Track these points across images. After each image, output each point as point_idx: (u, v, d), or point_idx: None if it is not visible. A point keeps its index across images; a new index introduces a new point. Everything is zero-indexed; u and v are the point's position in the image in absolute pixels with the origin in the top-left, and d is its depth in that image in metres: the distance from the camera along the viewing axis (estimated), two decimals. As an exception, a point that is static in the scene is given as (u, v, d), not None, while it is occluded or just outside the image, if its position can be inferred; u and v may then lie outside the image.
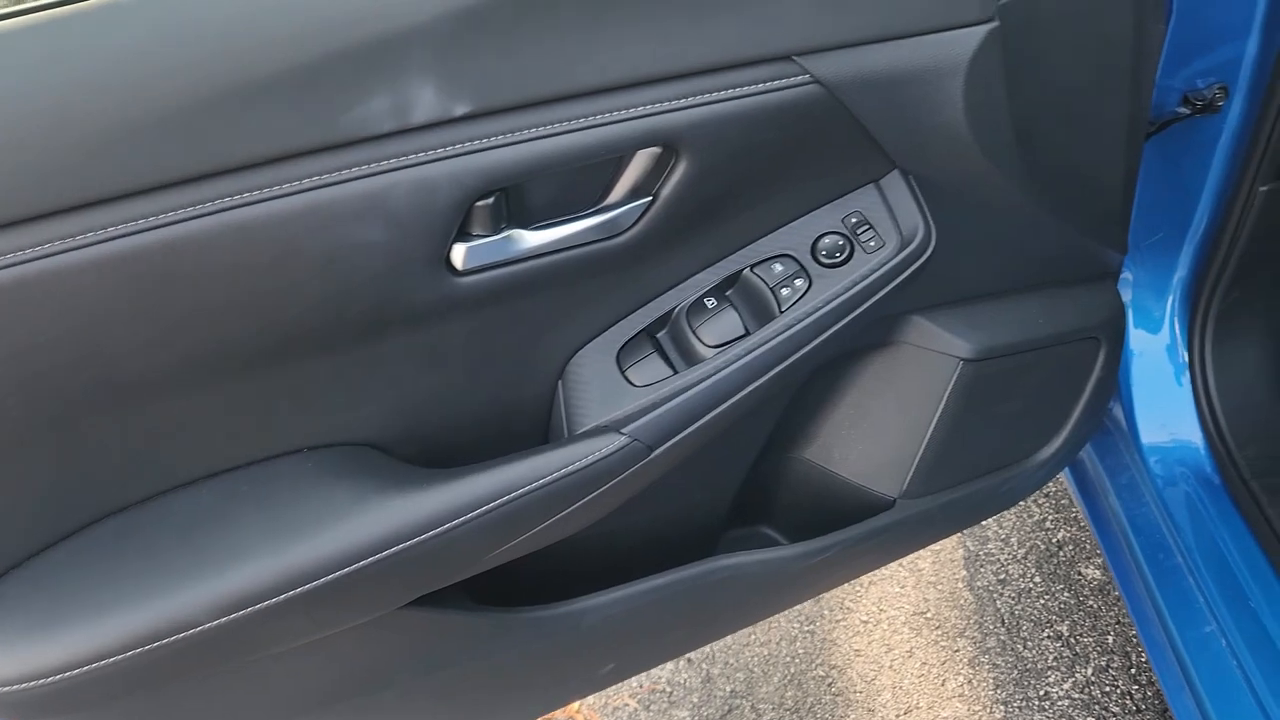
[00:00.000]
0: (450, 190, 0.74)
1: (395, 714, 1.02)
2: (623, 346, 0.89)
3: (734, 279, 0.90)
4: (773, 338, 0.87)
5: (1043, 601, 1.80)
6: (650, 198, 0.82)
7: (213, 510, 0.81)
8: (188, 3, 0.66)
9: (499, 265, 0.80)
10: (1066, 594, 1.81)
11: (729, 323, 0.88)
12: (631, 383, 0.88)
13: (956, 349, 1.03)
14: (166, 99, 0.65)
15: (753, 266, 0.90)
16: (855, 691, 1.71)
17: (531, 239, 0.80)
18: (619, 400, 0.87)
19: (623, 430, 0.84)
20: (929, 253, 0.88)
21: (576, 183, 0.81)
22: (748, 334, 0.88)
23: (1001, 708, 1.65)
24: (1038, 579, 1.84)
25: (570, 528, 0.89)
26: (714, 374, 0.86)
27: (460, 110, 0.72)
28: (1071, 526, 1.92)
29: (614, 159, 0.80)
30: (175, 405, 0.77)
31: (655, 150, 0.80)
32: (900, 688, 1.71)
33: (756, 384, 0.87)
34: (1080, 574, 1.84)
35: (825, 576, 1.17)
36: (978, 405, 1.09)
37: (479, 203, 0.76)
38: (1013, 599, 1.82)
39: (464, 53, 0.70)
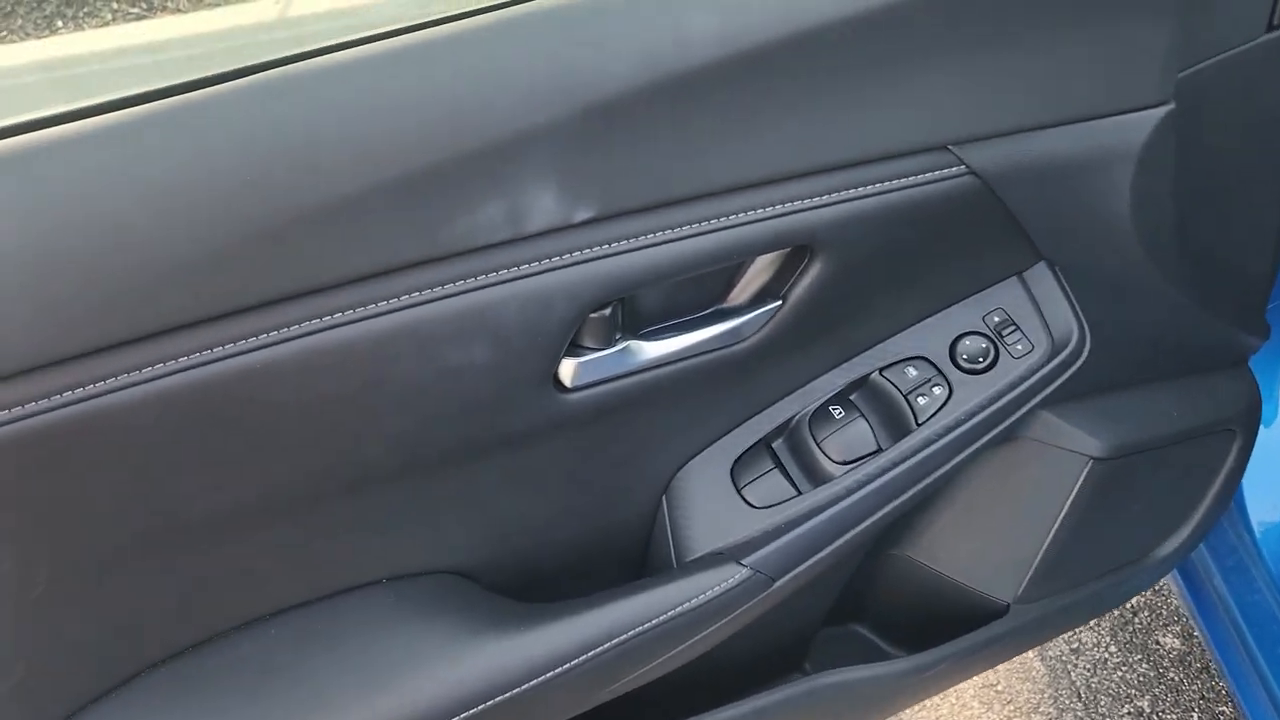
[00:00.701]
0: (566, 303, 0.64)
1: None
2: (737, 460, 0.80)
3: (861, 383, 0.81)
4: (910, 455, 0.77)
5: (1120, 674, 1.70)
6: (779, 301, 0.72)
7: (283, 653, 0.72)
8: (274, 107, 0.56)
9: (611, 380, 0.70)
10: (1145, 665, 1.71)
11: (858, 435, 0.78)
12: (749, 503, 0.78)
13: (1087, 446, 0.94)
14: (247, 215, 0.56)
15: (882, 370, 0.80)
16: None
17: (649, 350, 0.71)
18: (735, 523, 0.78)
19: (743, 561, 0.75)
20: (1083, 358, 0.79)
21: (691, 283, 0.71)
22: (880, 449, 0.78)
23: (1082, 792, 1.55)
24: (1113, 648, 1.74)
25: (677, 663, 0.79)
26: (845, 496, 0.76)
27: (582, 216, 0.62)
28: (1145, 591, 1.82)
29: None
30: (243, 541, 0.67)
31: (785, 250, 0.71)
32: (973, 769, 1.61)
33: (891, 507, 0.78)
34: (1158, 643, 1.74)
35: (932, 686, 1.07)
36: (1105, 504, 0.99)
37: (594, 314, 0.67)
38: (1088, 670, 1.72)
39: (589, 153, 0.60)
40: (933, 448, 0.77)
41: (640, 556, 0.85)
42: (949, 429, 0.77)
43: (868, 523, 0.77)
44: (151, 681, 0.70)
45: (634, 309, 0.70)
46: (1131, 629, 1.76)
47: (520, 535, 0.78)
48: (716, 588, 0.74)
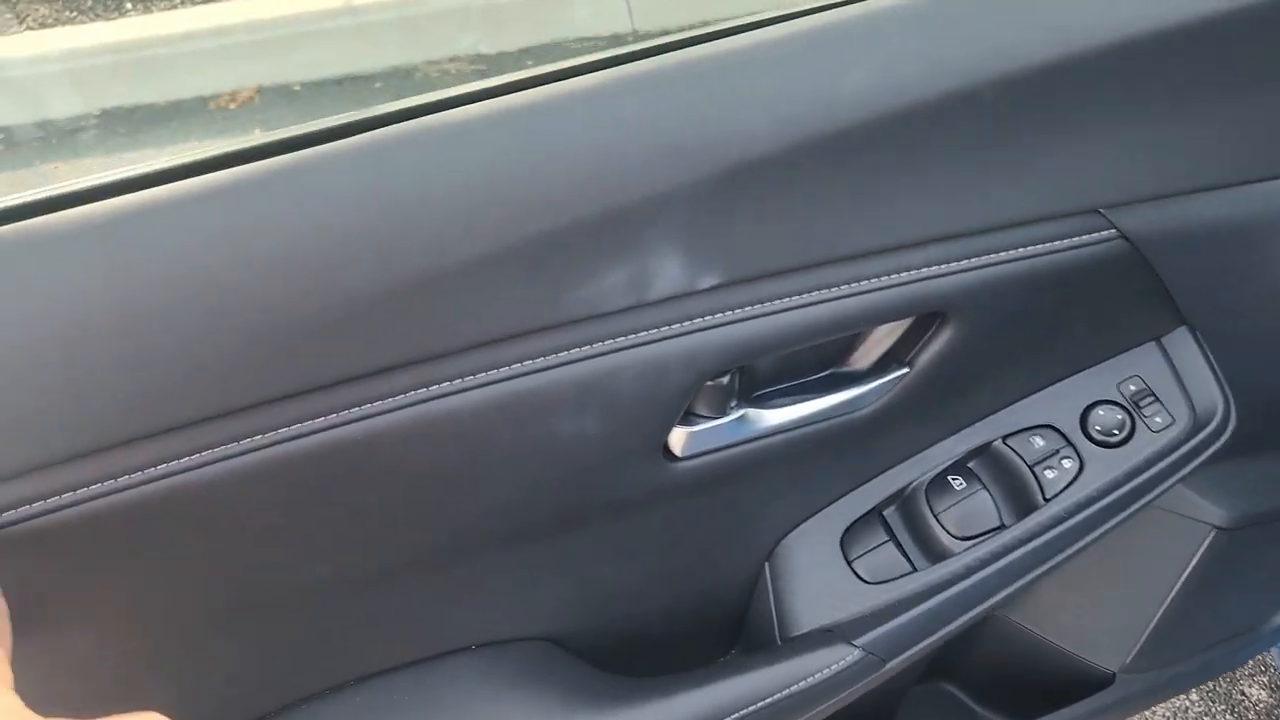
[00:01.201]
0: (683, 371, 0.60)
1: None
2: (848, 529, 0.75)
3: (982, 451, 0.75)
4: (1037, 534, 0.72)
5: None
6: (905, 369, 0.67)
7: (369, 719, 0.68)
8: (390, 166, 0.52)
9: (722, 449, 0.66)
10: (1229, 716, 1.64)
11: (980, 509, 0.73)
12: (861, 577, 0.73)
13: (1211, 516, 0.88)
14: (360, 281, 0.52)
15: (1006, 438, 0.75)
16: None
17: (765, 419, 0.66)
18: (845, 598, 0.73)
19: (856, 642, 0.70)
20: (1227, 434, 0.73)
21: (811, 347, 0.67)
22: (1003, 526, 0.73)
23: None
24: (1195, 696, 1.67)
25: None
26: (964, 576, 0.71)
27: (707, 282, 0.58)
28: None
29: None
30: (336, 608, 0.64)
31: (909, 318, 0.66)
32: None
33: (1013, 588, 0.72)
34: (1244, 694, 1.67)
35: (1029, 757, 1.02)
36: (1225, 574, 0.93)
37: (710, 382, 0.62)
38: (1167, 717, 1.64)
39: (721, 216, 0.56)
40: (1061, 527, 0.71)
41: (736, 627, 0.80)
42: (1080, 507, 0.71)
43: (986, 605, 0.72)
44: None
45: (750, 373, 0.65)
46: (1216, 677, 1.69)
47: (614, 602, 0.73)
48: (827, 670, 0.69)
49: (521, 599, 0.70)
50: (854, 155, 0.56)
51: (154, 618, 0.58)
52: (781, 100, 0.54)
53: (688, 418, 0.64)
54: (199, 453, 0.52)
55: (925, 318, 0.66)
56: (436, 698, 0.69)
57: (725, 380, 0.63)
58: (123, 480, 0.51)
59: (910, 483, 0.75)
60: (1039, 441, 0.74)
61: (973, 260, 0.63)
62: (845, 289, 0.61)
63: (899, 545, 0.74)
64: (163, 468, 0.52)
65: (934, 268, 0.62)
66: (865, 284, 0.61)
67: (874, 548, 0.73)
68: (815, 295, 0.60)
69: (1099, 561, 0.93)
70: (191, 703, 0.65)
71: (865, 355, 0.68)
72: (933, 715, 1.03)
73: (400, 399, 0.55)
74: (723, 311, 0.59)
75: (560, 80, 0.55)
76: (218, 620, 0.60)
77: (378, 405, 0.54)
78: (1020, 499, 0.73)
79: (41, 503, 0.50)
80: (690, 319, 0.59)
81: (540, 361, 0.57)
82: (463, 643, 0.71)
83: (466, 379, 0.56)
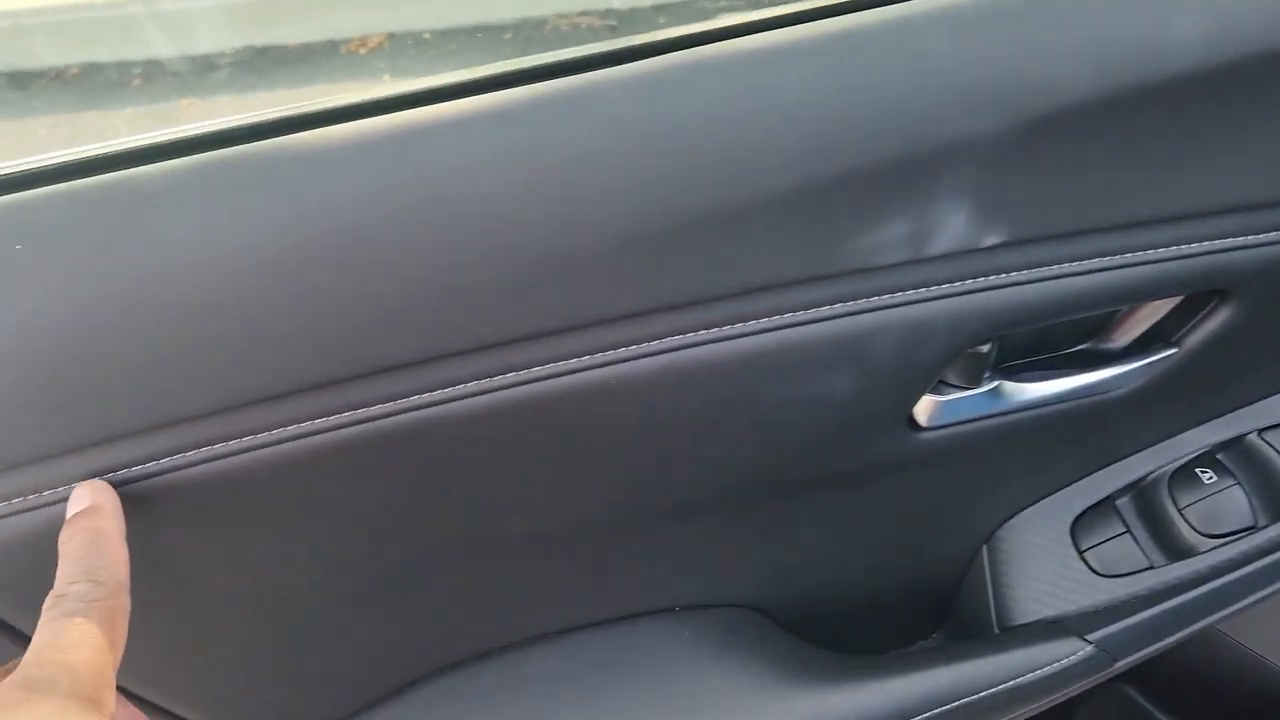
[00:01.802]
0: (947, 336, 0.55)
1: None
2: (1079, 517, 0.70)
3: (1234, 443, 0.69)
4: (1296, 537, 0.66)
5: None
6: (1173, 349, 0.62)
7: (572, 672, 0.66)
8: (659, 100, 0.49)
9: (968, 421, 0.61)
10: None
11: (1231, 506, 0.67)
12: (1094, 569, 0.68)
13: None
14: (620, 220, 0.48)
15: (1262, 431, 0.69)
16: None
17: (1020, 393, 0.61)
18: (1075, 589, 0.68)
19: (1089, 638, 0.65)
20: None
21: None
22: (1256, 526, 0.67)
23: None
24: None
25: (988, 733, 0.70)
26: (1209, 577, 0.66)
27: (990, 240, 0.53)
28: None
29: None
30: (547, 560, 0.62)
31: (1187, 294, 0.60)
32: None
33: (1261, 595, 0.67)
34: None
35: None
36: None
37: (970, 350, 0.58)
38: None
39: (1018, 169, 0.51)
40: (1326, 533, 0.65)
41: (941, 610, 0.76)
42: (1350, 512, 0.65)
43: (1229, 610, 0.67)
44: (436, 688, 0.66)
45: (1006, 342, 0.61)
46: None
47: (823, 574, 0.70)
48: (1056, 663, 0.65)
49: (731, 564, 0.67)
50: (1174, 110, 0.51)
51: (373, 554, 0.57)
52: (1104, 44, 0.49)
53: (938, 386, 0.60)
54: (440, 388, 0.50)
55: (1202, 295, 0.60)
56: (639, 657, 0.67)
57: (985, 349, 0.58)
58: (371, 410, 0.49)
59: (1151, 472, 0.70)
60: (1302, 438, 0.68)
61: (1265, 236, 0.57)
62: (1129, 258, 0.56)
63: (1135, 538, 0.69)
64: (404, 401, 0.49)
65: (1224, 240, 0.57)
66: (1150, 254, 0.56)
67: (1109, 539, 0.69)
68: (1098, 262, 0.56)
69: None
70: (394, 640, 0.63)
71: (1129, 331, 0.63)
72: (1113, 719, 0.98)
73: (654, 345, 0.52)
74: (998, 274, 0.55)
75: (847, 14, 0.51)
76: (429, 562, 0.59)
77: (631, 350, 0.52)
78: (1277, 498, 0.67)
79: (171, 458, 0.47)
80: (963, 279, 0.54)
81: (799, 315, 0.53)
82: (666, 604, 0.68)
83: (725, 329, 0.52)
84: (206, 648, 0.56)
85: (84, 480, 0.46)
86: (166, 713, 0.58)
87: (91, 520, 0.42)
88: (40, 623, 0.37)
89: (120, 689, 0.57)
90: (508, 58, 0.53)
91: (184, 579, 0.53)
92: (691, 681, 0.65)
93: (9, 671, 0.40)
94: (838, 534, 0.67)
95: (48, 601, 0.38)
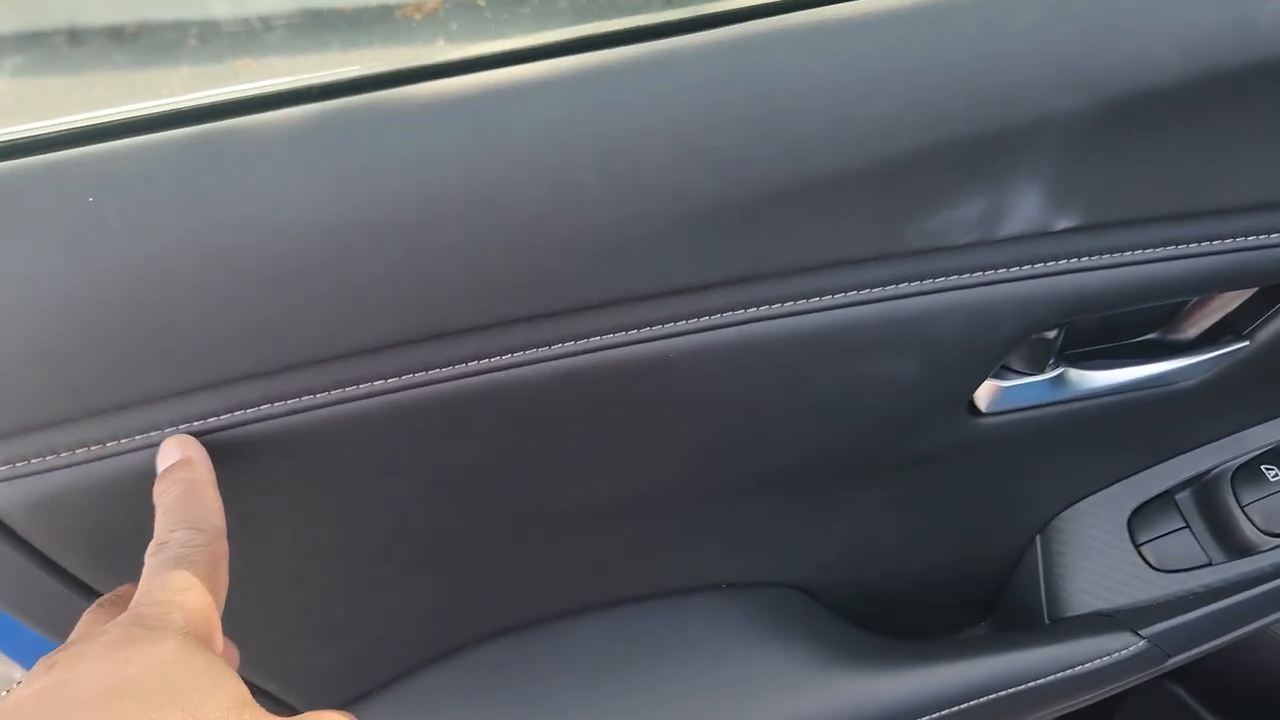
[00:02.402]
0: (1015, 320, 0.54)
1: None
2: (1137, 509, 0.68)
3: (1302, 442, 0.68)
4: (1362, 540, 0.64)
5: None
6: (1244, 342, 0.60)
7: (619, 645, 0.66)
8: (727, 68, 0.48)
9: (1030, 409, 0.60)
10: None
11: (1297, 505, 0.66)
12: (1150, 564, 0.67)
13: None
14: (681, 192, 0.47)
15: (1332, 430, 0.67)
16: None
17: (1084, 381, 0.60)
18: (1130, 583, 0.67)
19: (1142, 633, 0.64)
20: None
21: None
22: (1322, 526, 0.66)
23: None
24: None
25: (1034, 722, 0.70)
26: (1271, 576, 0.65)
27: (1064, 223, 0.52)
28: None
29: None
30: (597, 534, 0.61)
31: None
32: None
33: (1323, 595, 0.65)
34: None
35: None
36: None
37: (1036, 335, 0.57)
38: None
39: (1099, 151, 0.50)
40: (1393, 537, 0.64)
41: (990, 600, 0.75)
42: None
43: (1288, 611, 0.65)
44: (484, 654, 0.66)
45: (1072, 329, 0.60)
46: None
47: (875, 560, 0.69)
48: (1107, 657, 0.64)
49: (782, 545, 0.67)
50: (1259, 97, 0.49)
51: (423, 522, 0.57)
52: (1193, 26, 0.48)
53: (1000, 371, 0.59)
54: (498, 355, 0.49)
55: (1276, 288, 0.59)
56: (686, 633, 0.67)
57: (1051, 335, 0.57)
58: (422, 375, 0.49)
59: (1214, 467, 0.68)
60: (1372, 438, 0.66)
61: None
62: (1204, 247, 0.54)
63: (1194, 534, 0.67)
64: (462, 367, 0.49)
65: None
66: (1225, 243, 0.55)
67: (1167, 533, 0.67)
68: (1171, 250, 0.54)
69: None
70: (440, 606, 0.64)
71: (1199, 322, 0.61)
72: (1158, 718, 0.97)
73: (711, 319, 0.51)
74: (1070, 258, 0.53)
75: None
76: (478, 532, 0.59)
77: (689, 324, 0.51)
78: (1344, 499, 0.66)
79: (234, 414, 0.47)
80: (1032, 263, 0.53)
81: (865, 294, 0.52)
82: (715, 581, 0.68)
83: (785, 304, 0.51)
84: (263, 606, 0.56)
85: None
86: None
87: (185, 471, 0.43)
88: (146, 570, 0.38)
89: None
90: (564, 25, 0.52)
91: (245, 536, 0.53)
92: (737, 660, 0.65)
93: (99, 617, 0.41)
94: (891, 518, 0.66)
95: (150, 549, 0.39)
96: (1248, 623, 0.65)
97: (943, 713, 0.64)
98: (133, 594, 0.38)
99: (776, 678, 0.64)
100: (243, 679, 0.50)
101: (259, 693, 0.61)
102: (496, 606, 0.65)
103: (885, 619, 0.72)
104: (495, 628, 0.66)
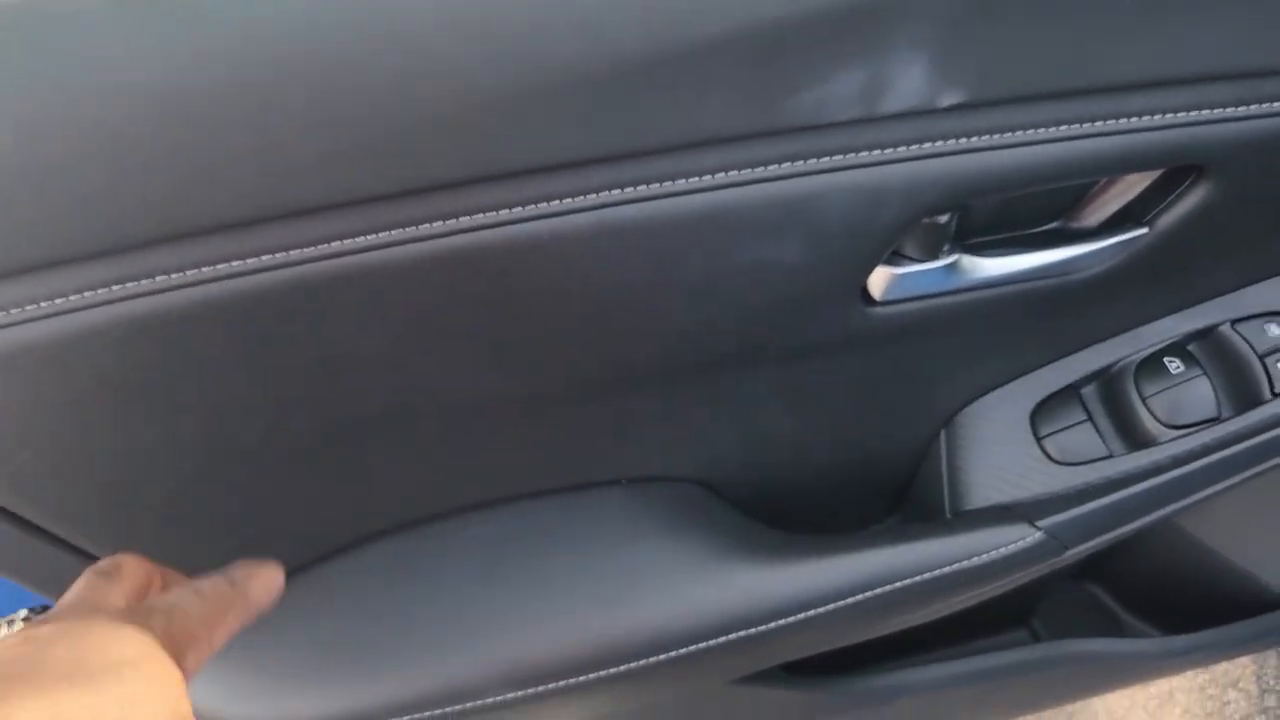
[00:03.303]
0: (902, 203, 0.53)
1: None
2: (1040, 404, 0.68)
3: (1205, 334, 0.67)
4: (1257, 432, 0.64)
5: (1340, 663, 1.54)
6: (1143, 229, 0.59)
7: (514, 541, 0.66)
8: None
9: (925, 297, 0.59)
10: (1368, 658, 1.55)
11: (1196, 397, 0.66)
12: (1050, 456, 0.67)
13: None
14: (557, 60, 0.45)
15: (1234, 322, 0.67)
16: (1101, 728, 1.51)
17: (978, 269, 0.59)
18: (1028, 476, 0.67)
19: (1039, 524, 0.64)
20: None
21: (1036, 193, 0.59)
22: (1219, 418, 0.65)
23: (1277, 782, 1.42)
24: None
25: (932, 616, 0.70)
26: (1168, 468, 0.64)
27: (950, 99, 0.50)
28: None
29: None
30: (488, 428, 0.60)
31: (1161, 170, 0.57)
32: (1155, 734, 1.50)
33: (1217, 488, 0.65)
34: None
35: (1180, 667, 0.95)
36: None
37: (927, 220, 0.55)
38: (1300, 652, 1.56)
39: (985, 21, 0.48)
40: (1290, 425, 0.63)
41: (897, 495, 0.75)
42: (1316, 406, 0.63)
43: (1186, 502, 0.65)
44: (373, 552, 0.65)
45: (967, 216, 0.58)
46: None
47: (774, 453, 0.69)
48: (1004, 548, 0.63)
49: (679, 438, 0.66)
50: None
51: (311, 409, 0.55)
52: None
53: (893, 258, 0.58)
54: (368, 234, 0.48)
55: (1179, 171, 0.57)
56: (583, 529, 0.66)
57: (943, 220, 0.56)
58: (293, 254, 0.48)
59: (1117, 361, 0.67)
60: (1274, 330, 0.65)
61: (1254, 108, 0.54)
62: (1101, 126, 0.53)
63: (1096, 427, 0.67)
64: (336, 245, 0.48)
65: (1204, 112, 0.53)
66: (1124, 123, 0.53)
67: (1068, 426, 0.67)
68: (1067, 130, 0.52)
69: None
70: (331, 502, 0.62)
71: (1099, 209, 0.60)
72: (1074, 617, 0.98)
73: (585, 199, 0.49)
74: (959, 138, 0.52)
75: None
76: (368, 423, 0.57)
77: (567, 204, 0.49)
78: (1244, 391, 0.65)
79: (92, 293, 0.46)
80: (919, 142, 0.51)
81: (745, 174, 0.50)
82: (611, 476, 0.67)
83: (666, 184, 0.50)
84: (133, 494, 0.55)
85: None
86: (93, 557, 0.58)
87: (246, 597, 0.47)
88: (170, 597, 0.43)
89: (54, 536, 0.57)
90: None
91: (110, 420, 0.51)
92: (632, 553, 0.65)
93: (97, 585, 0.44)
94: (788, 412, 0.66)
95: (162, 596, 0.44)
96: (1145, 514, 0.65)
97: (840, 604, 0.64)
98: (131, 565, 0.44)
99: (671, 570, 0.63)
100: None
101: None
102: (383, 505, 0.64)
103: (791, 515, 0.72)
104: (384, 526, 0.65)
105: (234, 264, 0.47)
